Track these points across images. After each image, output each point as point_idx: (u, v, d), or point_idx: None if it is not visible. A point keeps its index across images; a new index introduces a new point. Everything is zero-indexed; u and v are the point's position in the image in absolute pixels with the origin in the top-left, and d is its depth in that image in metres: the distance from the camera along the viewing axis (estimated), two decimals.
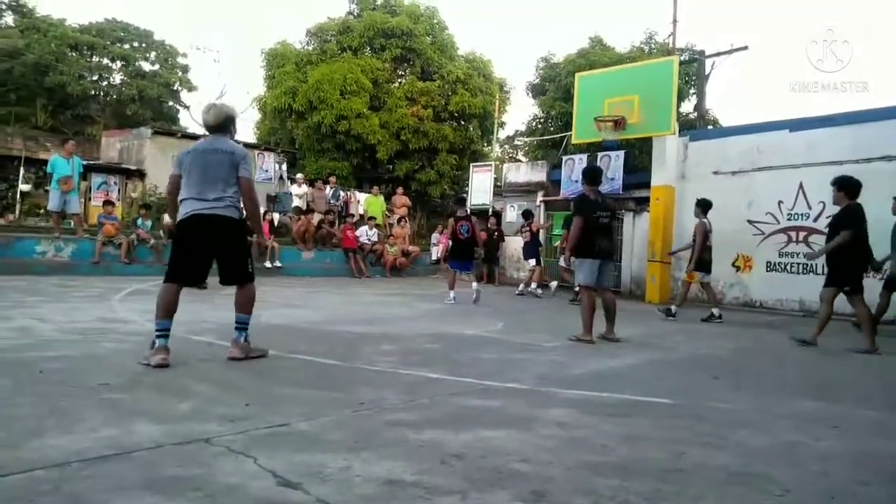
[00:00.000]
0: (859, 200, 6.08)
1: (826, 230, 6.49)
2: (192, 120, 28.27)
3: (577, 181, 12.67)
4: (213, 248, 3.90)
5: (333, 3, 50.42)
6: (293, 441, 2.44)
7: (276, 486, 1.98)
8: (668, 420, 3.06)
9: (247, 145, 16.20)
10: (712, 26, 46.30)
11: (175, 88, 28.97)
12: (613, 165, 12.80)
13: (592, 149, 13.64)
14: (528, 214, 12.19)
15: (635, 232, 12.73)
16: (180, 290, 3.87)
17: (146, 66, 28.20)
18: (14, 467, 2.00)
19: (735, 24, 49.56)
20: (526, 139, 23.31)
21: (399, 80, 21.38)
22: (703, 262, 8.37)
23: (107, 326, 5.19)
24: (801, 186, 10.31)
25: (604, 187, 6.64)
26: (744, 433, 2.86)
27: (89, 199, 15.67)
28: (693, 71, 18.62)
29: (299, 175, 16.85)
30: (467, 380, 3.77)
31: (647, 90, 11.32)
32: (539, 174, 15.45)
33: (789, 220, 10.53)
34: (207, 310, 5.91)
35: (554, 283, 11.73)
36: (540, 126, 20.95)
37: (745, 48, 16.70)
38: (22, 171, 16.14)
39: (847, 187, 6.04)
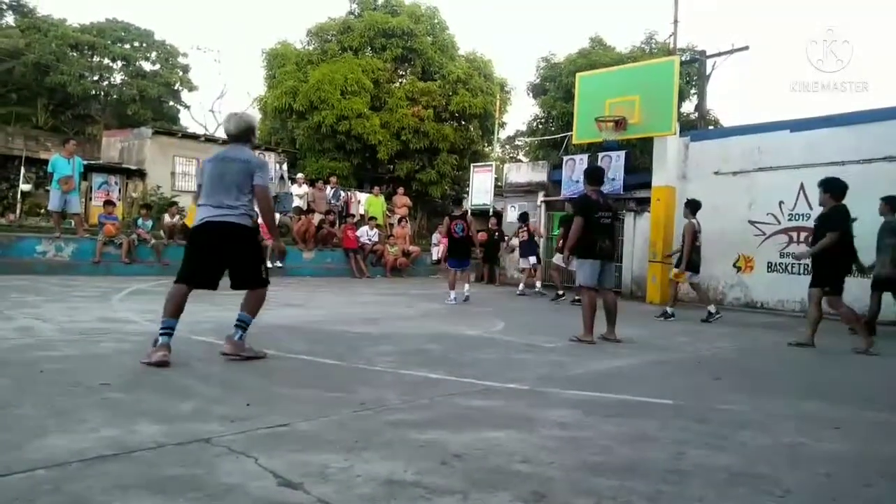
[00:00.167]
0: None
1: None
2: (192, 120, 28.32)
3: (577, 181, 12.67)
4: (225, 255, 3.95)
5: (334, 3, 50.50)
6: (294, 441, 2.44)
7: (277, 486, 1.97)
8: (669, 421, 3.06)
9: None
10: (713, 26, 46.30)
11: (175, 88, 29.03)
12: (614, 166, 12.79)
13: (593, 149, 13.62)
14: (524, 217, 12.15)
15: (636, 232, 12.70)
16: (189, 292, 3.91)
17: (147, 66, 28.26)
18: (15, 467, 2.00)
19: (736, 24, 49.55)
20: (527, 139, 23.33)
21: (400, 80, 21.39)
22: (691, 262, 8.41)
23: (107, 326, 5.20)
24: (802, 187, 10.29)
25: (605, 188, 6.63)
26: (745, 434, 2.86)
27: (90, 198, 15.69)
28: (694, 71, 18.60)
29: (300, 175, 16.85)
30: (468, 380, 3.77)
31: (647, 90, 11.30)
32: (540, 174, 15.43)
33: (790, 220, 10.52)
34: (209, 309, 5.91)
35: (538, 283, 11.78)
36: (541, 126, 20.95)
37: (746, 48, 16.69)
38: (23, 170, 16.13)
39: (833, 189, 6.09)
